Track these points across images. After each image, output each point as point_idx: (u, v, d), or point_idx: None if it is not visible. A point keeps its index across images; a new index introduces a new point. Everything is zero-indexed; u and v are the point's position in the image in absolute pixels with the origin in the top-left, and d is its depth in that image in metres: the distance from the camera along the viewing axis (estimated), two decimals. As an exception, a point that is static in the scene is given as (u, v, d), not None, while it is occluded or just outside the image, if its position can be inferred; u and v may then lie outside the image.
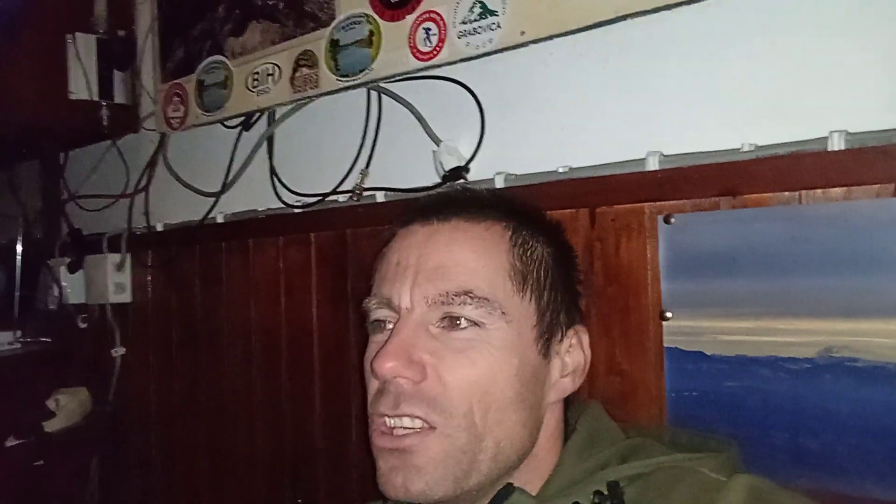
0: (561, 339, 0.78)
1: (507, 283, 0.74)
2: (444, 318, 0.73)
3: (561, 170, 1.06)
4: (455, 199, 0.82)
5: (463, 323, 0.72)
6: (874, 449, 0.80)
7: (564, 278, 0.81)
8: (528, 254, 0.77)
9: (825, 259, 0.83)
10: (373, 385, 0.76)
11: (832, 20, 0.86)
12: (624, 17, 0.99)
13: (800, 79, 0.88)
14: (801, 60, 0.88)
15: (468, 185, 1.13)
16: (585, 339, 0.81)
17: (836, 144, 0.83)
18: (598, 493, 0.69)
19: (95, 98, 1.73)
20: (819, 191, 0.84)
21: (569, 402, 0.82)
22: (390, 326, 0.76)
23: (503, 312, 0.73)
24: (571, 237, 1.01)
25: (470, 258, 0.74)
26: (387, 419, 0.72)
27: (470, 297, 0.72)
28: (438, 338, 0.73)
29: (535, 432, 0.76)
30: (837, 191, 0.83)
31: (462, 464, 0.71)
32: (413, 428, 0.71)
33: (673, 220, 0.94)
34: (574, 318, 0.81)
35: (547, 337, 0.76)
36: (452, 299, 0.72)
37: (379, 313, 0.78)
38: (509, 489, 0.72)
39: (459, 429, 0.71)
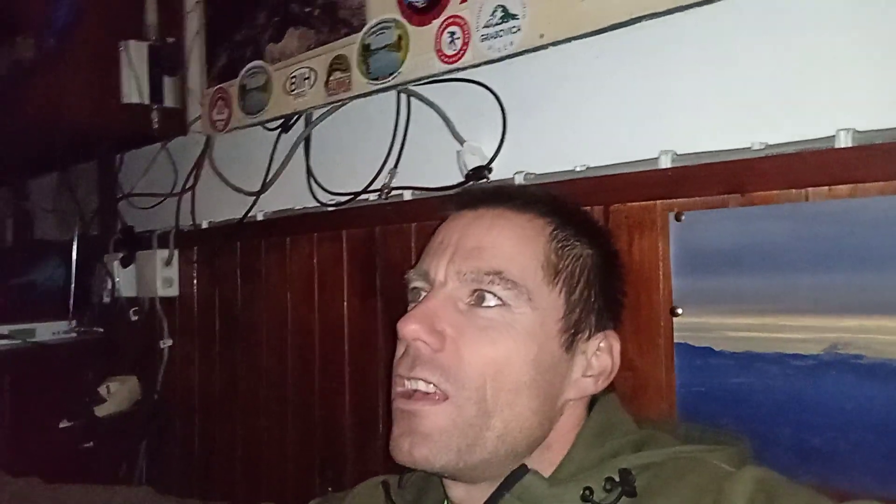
0: (588, 339, 0.79)
1: (538, 272, 0.76)
2: (474, 293, 0.75)
3: (578, 168, 1.09)
4: (504, 191, 0.85)
5: (490, 301, 0.75)
6: (878, 445, 0.81)
7: (602, 282, 0.81)
8: (566, 250, 0.79)
9: (831, 256, 0.84)
10: (399, 348, 0.79)
11: (840, 19, 0.87)
12: (638, 20, 1.01)
13: (809, 78, 0.89)
14: (810, 59, 0.89)
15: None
16: (616, 345, 0.81)
17: (843, 142, 0.83)
18: (609, 479, 0.70)
19: (146, 102, 1.82)
20: (825, 188, 0.84)
21: (593, 405, 0.82)
22: (421, 297, 0.80)
23: (529, 298, 0.75)
24: (585, 234, 1.04)
25: (507, 243, 0.77)
26: (405, 381, 0.76)
27: (500, 277, 0.74)
28: (465, 314, 0.75)
29: (548, 423, 0.77)
30: (843, 188, 0.83)
31: (467, 437, 0.73)
32: (426, 392, 0.74)
33: (683, 217, 0.96)
34: (607, 323, 0.81)
35: (573, 332, 0.77)
36: (483, 277, 0.75)
37: (417, 283, 0.81)
38: (523, 470, 0.73)
39: (469, 401, 0.73)
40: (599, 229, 0.86)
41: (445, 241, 0.79)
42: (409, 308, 0.82)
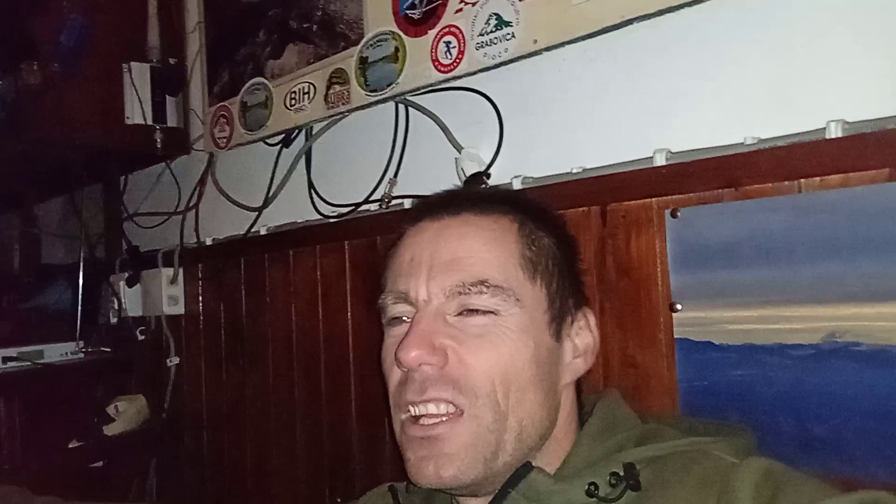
0: (571, 323, 0.81)
1: (518, 272, 0.77)
2: (462, 309, 0.76)
3: (574, 170, 1.10)
4: (462, 195, 0.86)
5: (479, 312, 0.75)
6: (879, 431, 0.81)
7: (570, 266, 0.84)
8: (536, 243, 0.80)
9: (826, 246, 0.85)
10: (394, 377, 0.79)
11: (828, 13, 0.88)
12: (630, 22, 1.03)
13: (799, 71, 0.91)
14: (800, 54, 0.91)
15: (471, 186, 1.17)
16: (592, 320, 0.84)
17: (834, 133, 0.84)
18: (613, 474, 0.71)
19: (150, 122, 1.84)
20: (817, 179, 0.86)
21: (581, 386, 0.85)
22: (407, 320, 0.79)
23: (517, 299, 0.76)
24: (584, 234, 1.06)
25: (482, 249, 0.77)
26: (412, 407, 0.75)
27: (485, 286, 0.75)
28: (456, 325, 0.76)
29: (554, 413, 0.79)
30: (835, 178, 0.84)
31: (490, 444, 0.74)
32: (440, 415, 0.74)
33: (679, 213, 0.97)
34: (580, 301, 0.84)
35: (558, 321, 0.79)
36: (469, 289, 0.75)
37: (396, 309, 0.80)
38: (528, 467, 0.73)
39: (485, 408, 0.73)
40: (554, 216, 0.88)
41: (417, 258, 0.79)
42: (388, 335, 0.82)
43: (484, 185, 1.21)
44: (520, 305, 0.76)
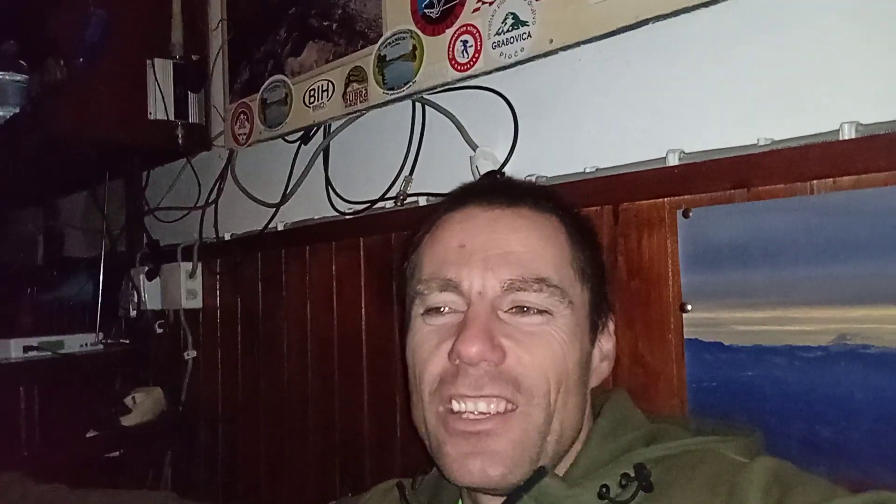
0: (602, 329, 0.82)
1: (569, 272, 0.77)
2: (514, 305, 0.74)
3: (588, 170, 1.11)
4: (515, 186, 0.84)
5: (533, 311, 0.74)
6: (887, 434, 0.81)
7: (603, 272, 0.84)
8: (580, 246, 0.80)
9: (837, 247, 0.85)
10: (434, 367, 0.75)
11: (841, 14, 0.88)
12: (645, 22, 1.03)
13: (812, 73, 0.91)
14: (813, 55, 0.90)
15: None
16: (612, 325, 0.85)
17: (847, 135, 0.84)
18: (625, 475, 0.70)
19: (172, 118, 1.87)
20: (829, 180, 0.85)
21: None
22: (448, 311, 0.76)
23: (570, 301, 0.75)
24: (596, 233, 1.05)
25: (538, 245, 0.76)
26: (458, 402, 0.72)
27: (545, 284, 0.74)
28: (510, 322, 0.74)
29: (583, 416, 0.79)
30: (847, 179, 0.84)
31: (536, 445, 0.73)
32: (489, 413, 0.72)
33: (691, 214, 0.97)
34: (607, 308, 0.84)
35: (595, 326, 0.80)
36: (528, 285, 0.73)
37: (440, 297, 0.76)
38: (542, 472, 0.72)
39: (539, 408, 0.73)
40: (586, 220, 0.87)
41: (469, 246, 0.75)
42: (424, 323, 0.77)
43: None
44: (571, 308, 0.76)
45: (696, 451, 0.72)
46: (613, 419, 0.79)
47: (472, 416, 0.72)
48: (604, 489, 0.70)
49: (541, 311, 0.74)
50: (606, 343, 0.84)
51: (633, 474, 0.70)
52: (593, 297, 0.80)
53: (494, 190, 0.83)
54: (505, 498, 0.73)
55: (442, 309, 0.77)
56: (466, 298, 0.75)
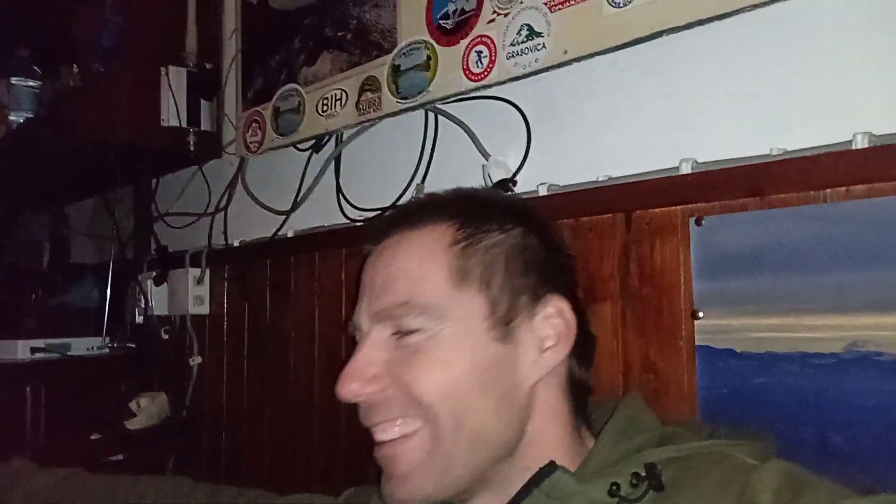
0: (532, 318, 0.78)
1: (445, 285, 0.76)
2: (393, 331, 0.76)
3: (601, 179, 1.12)
4: (403, 211, 0.85)
5: (407, 333, 0.75)
6: (899, 441, 0.81)
7: (530, 256, 0.80)
8: (472, 247, 0.78)
9: (849, 255, 0.86)
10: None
11: (854, 26, 0.90)
12: (659, 34, 1.04)
13: (826, 84, 0.92)
14: (827, 67, 0.92)
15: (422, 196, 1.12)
16: (563, 305, 0.78)
17: (860, 144, 0.85)
18: (635, 474, 0.70)
19: (184, 125, 1.89)
20: (842, 189, 0.86)
21: (577, 383, 0.82)
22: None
23: (443, 315, 0.75)
24: (608, 241, 1.07)
25: (410, 266, 0.77)
26: (373, 431, 0.77)
27: (409, 306, 0.75)
28: (394, 347, 0.76)
29: (517, 418, 0.77)
30: (860, 188, 0.85)
31: (440, 459, 0.74)
32: (392, 438, 0.76)
33: (704, 221, 0.98)
34: (548, 290, 0.79)
35: (505, 322, 0.77)
36: (395, 312, 0.76)
37: (356, 336, 0.82)
38: (552, 466, 0.73)
39: (433, 423, 0.74)
40: (514, 205, 0.85)
41: (361, 286, 0.81)
42: None
43: (510, 193, 1.23)
44: (450, 320, 0.75)
45: (707, 454, 0.72)
46: (626, 420, 0.79)
47: (384, 443, 0.76)
48: (614, 487, 0.70)
49: (416, 331, 0.75)
50: (551, 327, 0.78)
51: (643, 473, 0.71)
52: (499, 295, 0.77)
53: (383, 222, 0.84)
54: (515, 493, 0.74)
55: None
56: (362, 334, 0.79)
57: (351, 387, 0.76)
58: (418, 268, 0.77)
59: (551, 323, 0.78)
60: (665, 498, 0.70)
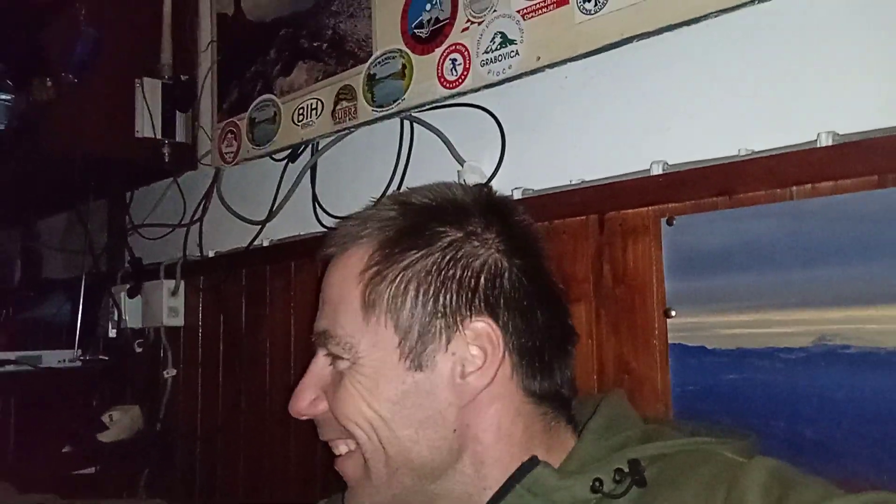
0: (448, 343, 0.74)
1: (357, 315, 0.76)
2: (329, 353, 0.79)
3: (574, 182, 1.13)
4: (342, 228, 0.82)
5: (340, 358, 0.77)
6: (868, 433, 0.83)
7: (453, 277, 0.75)
8: (382, 274, 0.75)
9: (816, 250, 0.88)
10: None
11: (819, 31, 0.92)
12: (629, 40, 1.06)
13: (791, 87, 0.94)
14: (791, 70, 0.94)
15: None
16: (482, 327, 0.74)
17: (825, 143, 0.88)
18: (618, 470, 0.70)
19: (159, 137, 1.88)
20: (808, 186, 0.88)
21: (541, 394, 0.78)
22: None
23: (356, 347, 0.75)
24: (582, 242, 1.08)
25: (333, 294, 0.79)
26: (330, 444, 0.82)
27: (328, 335, 0.77)
28: (330, 372, 0.79)
29: (445, 444, 0.75)
30: (825, 185, 0.87)
31: (371, 478, 0.76)
32: (340, 454, 0.80)
33: (675, 221, 1.00)
34: (464, 314, 0.74)
35: (419, 351, 0.74)
36: (321, 339, 0.79)
37: None
38: (534, 462, 0.72)
39: (362, 446, 0.76)
40: (466, 210, 0.78)
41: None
42: None
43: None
44: (363, 350, 0.75)
45: (694, 451, 0.72)
46: (608, 417, 0.78)
47: (336, 457, 0.81)
48: (597, 483, 0.70)
49: (340, 358, 0.77)
50: (473, 351, 0.74)
51: (627, 469, 0.70)
52: (410, 324, 0.74)
53: (328, 241, 0.83)
54: (497, 489, 0.73)
55: None
56: None
57: (296, 407, 0.80)
58: (338, 295, 0.78)
59: (471, 347, 0.74)
60: (651, 495, 0.69)
